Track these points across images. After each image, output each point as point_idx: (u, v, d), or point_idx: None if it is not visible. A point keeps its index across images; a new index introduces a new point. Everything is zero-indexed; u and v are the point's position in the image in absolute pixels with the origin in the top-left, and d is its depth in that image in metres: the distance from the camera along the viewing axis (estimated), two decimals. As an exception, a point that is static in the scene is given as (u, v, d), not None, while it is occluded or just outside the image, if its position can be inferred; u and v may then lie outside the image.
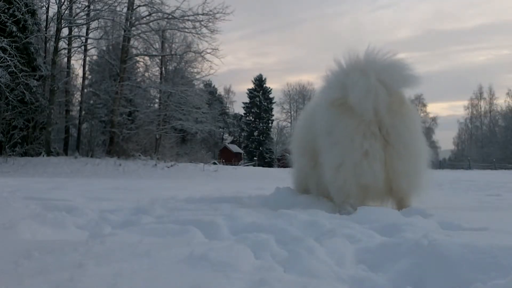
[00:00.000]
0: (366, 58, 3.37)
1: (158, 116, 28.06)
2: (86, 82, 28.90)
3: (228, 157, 46.04)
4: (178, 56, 28.72)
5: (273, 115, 58.18)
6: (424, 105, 58.10)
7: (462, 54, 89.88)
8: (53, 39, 24.01)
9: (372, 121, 3.20)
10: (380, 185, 3.23)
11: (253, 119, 56.78)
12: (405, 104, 3.38)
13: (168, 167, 22.09)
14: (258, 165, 41.23)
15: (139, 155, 24.44)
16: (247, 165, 38.25)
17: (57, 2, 23.85)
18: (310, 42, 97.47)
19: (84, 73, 28.41)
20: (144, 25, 25.73)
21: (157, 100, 30.29)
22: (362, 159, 3.17)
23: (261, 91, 56.79)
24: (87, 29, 25.99)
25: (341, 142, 3.26)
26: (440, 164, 41.43)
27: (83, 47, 27.22)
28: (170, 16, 24.81)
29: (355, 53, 3.42)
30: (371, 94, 3.14)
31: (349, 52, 3.44)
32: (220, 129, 53.34)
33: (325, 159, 3.45)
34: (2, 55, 19.68)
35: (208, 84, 41.05)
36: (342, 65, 3.45)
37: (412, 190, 3.37)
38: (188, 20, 25.01)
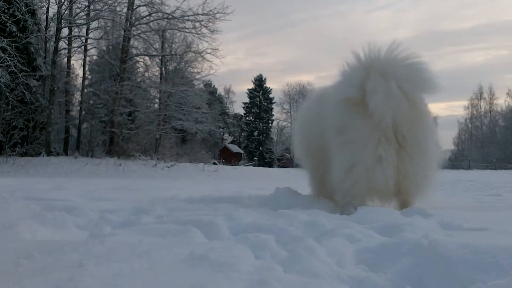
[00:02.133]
0: (387, 58, 3.23)
1: (158, 116, 28.07)
2: (86, 82, 28.92)
3: (228, 157, 46.06)
4: (178, 56, 28.74)
5: (273, 115, 58.19)
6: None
7: (461, 55, 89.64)
8: (53, 39, 24.01)
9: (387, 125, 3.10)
10: (390, 189, 3.19)
11: (253, 119, 56.77)
12: (421, 106, 3.28)
13: (168, 167, 22.10)
14: (258, 165, 41.24)
15: (139, 155, 24.45)
16: (247, 165, 38.25)
17: (57, 2, 23.87)
18: (308, 43, 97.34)
19: (84, 73, 28.45)
20: (144, 25, 25.75)
21: (157, 100, 30.31)
22: (375, 164, 3.08)
23: (261, 91, 56.79)
24: (87, 29, 26.01)
25: (354, 142, 3.16)
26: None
27: (83, 47, 27.25)
28: (170, 16, 24.83)
29: (376, 49, 3.27)
30: (392, 103, 3.04)
31: (370, 47, 3.29)
32: (220, 129, 53.36)
33: (334, 158, 3.34)
34: (2, 55, 19.69)
35: (208, 84, 41.05)
36: (362, 61, 3.30)
37: (420, 193, 3.35)
38: (188, 20, 25.04)
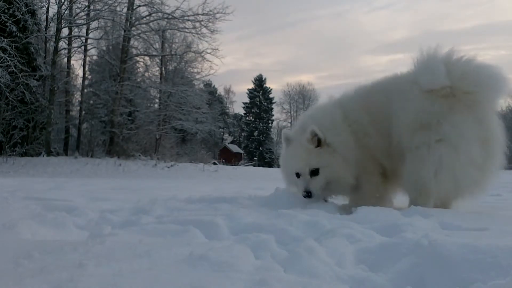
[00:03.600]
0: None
1: (158, 116, 28.09)
2: (86, 82, 28.94)
3: (228, 157, 46.07)
4: (178, 56, 28.77)
5: (273, 115, 58.28)
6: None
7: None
8: (53, 39, 24.02)
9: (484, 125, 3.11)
10: (476, 191, 3.27)
11: (253, 119, 56.80)
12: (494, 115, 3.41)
13: (168, 167, 22.10)
14: (258, 165, 41.28)
15: (139, 155, 24.46)
16: (247, 165, 38.26)
17: (57, 2, 23.89)
18: (308, 43, 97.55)
19: (84, 73, 28.48)
20: (144, 25, 25.77)
21: (157, 100, 30.35)
22: (467, 165, 3.02)
23: (261, 91, 56.83)
24: (87, 29, 26.02)
25: (446, 141, 3.04)
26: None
27: (83, 47, 27.27)
28: (170, 16, 24.85)
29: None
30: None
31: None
32: (220, 129, 53.37)
33: (416, 156, 3.15)
34: (2, 55, 19.69)
35: (208, 84, 41.07)
36: (442, 57, 3.24)
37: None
38: (188, 20, 25.08)
